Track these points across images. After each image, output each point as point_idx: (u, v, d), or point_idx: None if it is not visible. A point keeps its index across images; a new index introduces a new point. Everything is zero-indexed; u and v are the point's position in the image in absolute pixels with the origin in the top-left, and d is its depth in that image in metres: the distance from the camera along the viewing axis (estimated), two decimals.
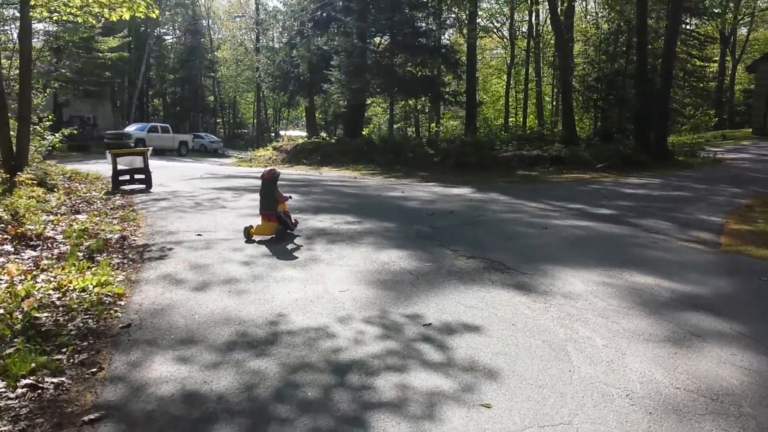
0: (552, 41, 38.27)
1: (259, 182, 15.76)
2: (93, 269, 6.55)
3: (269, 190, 8.40)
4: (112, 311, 5.35)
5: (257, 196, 12.48)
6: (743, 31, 52.25)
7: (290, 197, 9.08)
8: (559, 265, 6.96)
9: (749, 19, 49.14)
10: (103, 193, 12.94)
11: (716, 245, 8.32)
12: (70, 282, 6.04)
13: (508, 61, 41.81)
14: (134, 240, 8.29)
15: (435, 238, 8.47)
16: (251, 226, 8.40)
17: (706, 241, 8.53)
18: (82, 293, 5.74)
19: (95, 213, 10.28)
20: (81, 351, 4.51)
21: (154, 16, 12.49)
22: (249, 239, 8.22)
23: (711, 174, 18.14)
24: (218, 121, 68.66)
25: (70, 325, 5.00)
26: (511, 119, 40.18)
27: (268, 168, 9.08)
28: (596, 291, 5.97)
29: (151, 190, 13.44)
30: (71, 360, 4.36)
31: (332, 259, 7.19)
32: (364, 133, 34.92)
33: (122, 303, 5.60)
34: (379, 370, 4.16)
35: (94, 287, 5.90)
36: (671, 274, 6.63)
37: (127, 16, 12.31)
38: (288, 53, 32.18)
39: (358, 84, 25.79)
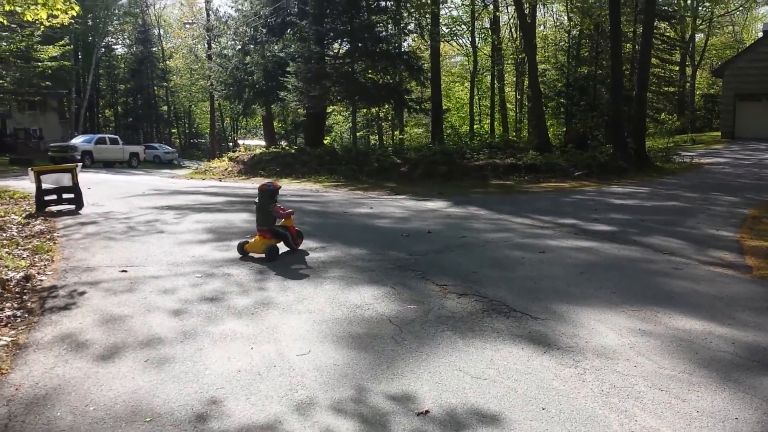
0: (514, 47, 37.37)
1: (208, 199, 14.33)
2: None
3: (264, 203, 7.64)
4: None
5: (202, 216, 10.96)
6: (699, 36, 52.33)
7: (292, 212, 7.94)
8: (575, 305, 5.55)
9: (707, 24, 49.16)
10: (24, 216, 11.09)
11: (746, 269, 7.03)
12: None
13: (471, 69, 40.77)
14: (41, 280, 6.60)
15: (415, 267, 6.98)
16: (246, 242, 7.65)
17: (733, 264, 7.24)
18: None
19: (5, 242, 8.50)
20: None
21: (74, 13, 10.79)
22: (244, 255, 7.51)
23: (695, 181, 17.11)
24: (173, 131, 66.23)
25: None
26: (476, 126, 39.05)
27: (266, 181, 8.26)
28: (636, 345, 4.56)
29: (80, 212, 11.64)
30: None
31: (289, 303, 5.64)
32: (325, 142, 33.38)
33: None
34: None
35: None
36: (717, 314, 5.27)
37: (44, 15, 10.60)
38: (241, 60, 30.40)
39: (317, 91, 24.25)
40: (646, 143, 23.08)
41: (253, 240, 7.64)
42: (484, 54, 41.26)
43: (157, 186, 18.42)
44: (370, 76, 26.42)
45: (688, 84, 45.37)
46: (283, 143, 38.45)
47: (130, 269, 6.93)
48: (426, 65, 28.72)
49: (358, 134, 31.07)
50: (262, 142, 37.69)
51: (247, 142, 44.85)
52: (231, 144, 54.88)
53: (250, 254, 7.51)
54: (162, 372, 4.14)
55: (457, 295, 5.85)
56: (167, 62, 61.09)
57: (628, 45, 28.29)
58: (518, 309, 5.41)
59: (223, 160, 29.99)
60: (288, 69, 24.67)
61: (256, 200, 7.77)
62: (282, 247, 7.70)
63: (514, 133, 34.98)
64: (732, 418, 3.45)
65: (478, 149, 22.49)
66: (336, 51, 27.74)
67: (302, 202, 13.74)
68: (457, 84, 47.42)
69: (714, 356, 4.34)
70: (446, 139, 27.41)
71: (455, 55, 50.69)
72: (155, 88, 59.58)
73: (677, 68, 42.45)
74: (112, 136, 39.96)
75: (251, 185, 20.30)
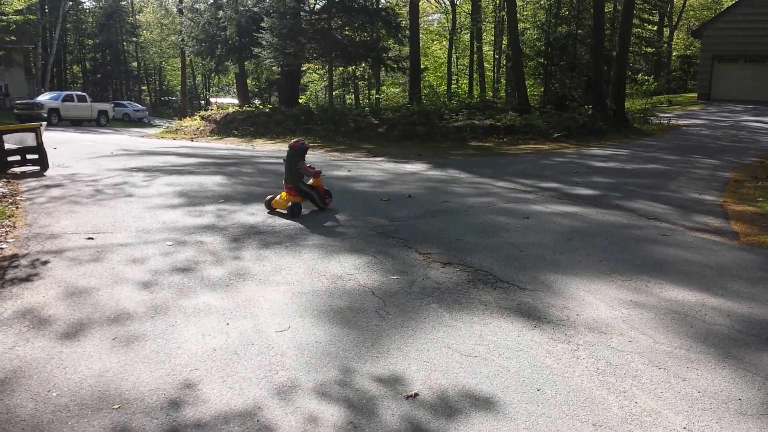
0: (494, 5, 36.70)
1: (179, 160, 13.84)
2: None
3: (293, 161, 7.75)
4: None
5: (173, 179, 10.56)
6: None
7: (319, 171, 7.96)
8: (563, 274, 5.37)
9: None
10: None
11: (733, 235, 6.92)
12: None
13: (449, 27, 40.04)
14: (1, 248, 6.22)
15: (397, 234, 6.74)
16: (273, 197, 7.83)
17: (719, 230, 7.13)
18: None
19: None
20: None
21: None
22: (271, 211, 7.74)
23: (674, 142, 17.03)
24: (143, 88, 64.50)
25: None
26: (453, 86, 38.48)
27: (295, 139, 8.32)
28: (629, 317, 4.40)
29: (45, 173, 11.13)
30: None
31: (266, 274, 5.36)
32: (300, 101, 32.65)
33: None
34: None
35: None
36: (709, 284, 5.13)
37: None
38: (214, 15, 29.32)
39: (293, 48, 23.48)
40: (624, 104, 22.91)
41: (278, 196, 7.76)
42: (464, 12, 40.51)
43: (126, 146, 17.82)
44: (347, 33, 25.66)
45: (665, 45, 45.15)
46: (257, 102, 37.62)
47: (97, 236, 6.57)
48: (404, 22, 28.02)
49: (333, 93, 30.40)
50: (235, 101, 36.78)
51: (220, 100, 43.69)
52: (203, 102, 53.69)
53: (277, 210, 7.70)
54: (131, 351, 3.86)
55: (441, 264, 5.63)
56: (137, 16, 59.14)
57: (608, 4, 27.86)
58: (505, 279, 5.22)
59: (195, 119, 29.21)
60: (262, 24, 23.82)
61: (284, 158, 7.87)
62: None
63: (491, 94, 34.55)
64: (735, 398, 3.30)
65: (457, 110, 22.11)
66: (312, 6, 26.92)
67: (278, 164, 13.33)
68: (435, 42, 46.57)
69: (710, 330, 4.20)
70: (424, 99, 26.92)
71: (433, 12, 49.75)
72: (125, 43, 57.77)
73: (655, 28, 42.17)
74: (80, 93, 38.69)
75: (224, 145, 19.81)
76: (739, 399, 3.30)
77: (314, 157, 15.37)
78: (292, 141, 8.03)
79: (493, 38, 39.71)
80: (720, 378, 3.53)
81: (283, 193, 7.76)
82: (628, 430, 3.01)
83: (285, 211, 7.57)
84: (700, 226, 7.30)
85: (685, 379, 3.52)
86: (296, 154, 7.73)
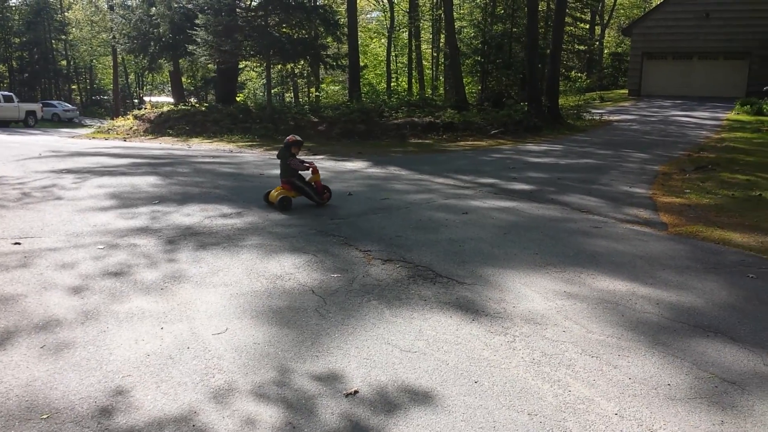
0: (431, 3, 37.04)
1: (111, 161, 13.43)
2: None
3: (282, 156, 7.98)
4: None
5: (105, 180, 10.24)
6: None
7: (309, 166, 8.00)
8: (500, 267, 5.46)
9: None
10: None
11: (662, 226, 7.19)
12: None
13: (388, 25, 40.19)
14: None
15: (337, 232, 6.72)
16: (270, 191, 8.12)
17: (649, 221, 7.40)
18: None
19: None
20: None
21: None
22: (269, 205, 8.00)
23: (606, 138, 17.57)
24: (73, 87, 62.18)
25: None
26: (393, 84, 38.70)
27: (290, 134, 8.29)
28: (563, 308, 4.51)
29: None
30: None
31: (203, 276, 5.25)
32: (238, 99, 32.15)
33: None
34: None
35: None
36: (640, 274, 5.32)
37: None
38: (146, 12, 28.50)
39: (228, 45, 23.08)
40: (558, 101, 23.51)
41: (274, 190, 8.00)
42: (402, 10, 40.72)
43: (56, 147, 17.15)
44: (284, 30, 25.42)
45: (597, 43, 46.54)
46: (193, 100, 36.87)
47: (24, 241, 6.30)
48: (342, 20, 27.93)
49: (272, 91, 30.06)
50: (171, 99, 35.91)
51: (155, 99, 42.62)
52: (136, 101, 52.23)
53: (273, 204, 7.88)
54: (60, 359, 3.72)
55: (381, 261, 5.64)
56: (66, 14, 56.91)
57: (542, 3, 28.53)
58: (444, 274, 5.27)
59: (128, 119, 28.40)
60: (197, 21, 23.35)
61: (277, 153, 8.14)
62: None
63: (431, 91, 34.91)
64: (664, 384, 3.42)
65: (397, 107, 22.23)
66: (248, 3, 26.53)
67: (215, 164, 13.10)
68: (374, 40, 46.65)
69: (640, 318, 4.35)
70: (364, 97, 26.93)
71: (371, 10, 49.87)
72: (53, 41, 55.54)
73: (588, 27, 43.44)
74: (6, 93, 36.96)
75: (159, 145, 19.32)
76: (668, 384, 3.43)
77: (253, 156, 15.17)
78: (288, 136, 8.13)
79: (431, 36, 40.07)
80: (650, 364, 3.66)
81: (278, 187, 7.99)
82: (562, 418, 3.08)
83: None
84: (630, 218, 7.56)
85: (616, 366, 3.63)
86: (285, 150, 7.92)
